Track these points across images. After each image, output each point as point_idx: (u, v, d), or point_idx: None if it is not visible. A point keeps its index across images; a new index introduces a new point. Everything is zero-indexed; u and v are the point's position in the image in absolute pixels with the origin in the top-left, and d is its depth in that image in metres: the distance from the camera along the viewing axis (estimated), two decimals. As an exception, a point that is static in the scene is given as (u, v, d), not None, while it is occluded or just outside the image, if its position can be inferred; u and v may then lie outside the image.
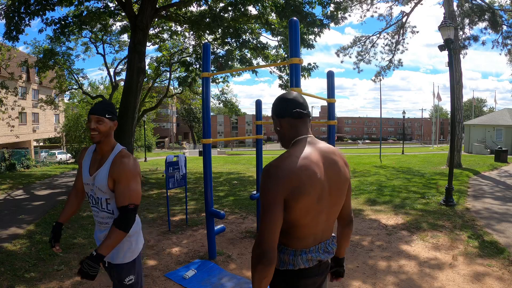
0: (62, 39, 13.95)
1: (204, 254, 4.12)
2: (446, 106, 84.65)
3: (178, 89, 19.94)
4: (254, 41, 12.02)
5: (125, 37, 17.71)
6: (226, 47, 12.33)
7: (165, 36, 15.34)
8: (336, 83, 4.30)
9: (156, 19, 12.11)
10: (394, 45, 17.50)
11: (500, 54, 18.75)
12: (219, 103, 17.65)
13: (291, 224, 1.28)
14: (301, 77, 3.24)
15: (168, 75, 17.62)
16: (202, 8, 11.83)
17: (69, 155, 28.70)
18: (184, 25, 12.98)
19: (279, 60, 12.30)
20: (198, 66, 13.59)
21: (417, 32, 17.49)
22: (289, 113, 1.36)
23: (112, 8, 11.65)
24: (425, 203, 6.91)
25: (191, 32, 14.02)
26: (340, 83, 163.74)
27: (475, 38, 15.36)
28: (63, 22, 10.55)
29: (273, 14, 10.53)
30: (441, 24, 7.01)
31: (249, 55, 12.84)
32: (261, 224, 1.24)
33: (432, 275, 3.48)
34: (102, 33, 16.08)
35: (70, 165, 22.16)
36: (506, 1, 15.42)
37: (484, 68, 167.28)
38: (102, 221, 1.89)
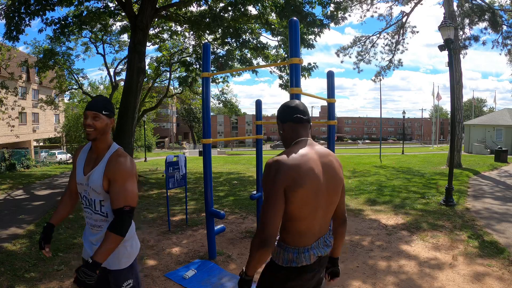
0: (62, 39, 13.96)
1: (204, 254, 4.12)
2: (446, 106, 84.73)
3: (178, 89, 19.95)
4: (254, 41, 12.02)
5: (125, 37, 17.74)
6: (226, 47, 12.34)
7: (165, 36, 15.35)
8: (336, 83, 4.30)
9: (156, 19, 12.11)
10: (394, 45, 17.50)
11: (500, 54, 18.79)
12: (219, 103, 17.66)
13: (290, 216, 1.41)
14: (301, 77, 3.24)
15: (168, 75, 17.64)
16: (202, 8, 11.84)
17: (69, 155, 28.69)
18: (184, 25, 12.98)
19: (279, 60, 12.30)
20: (198, 66, 13.60)
21: (417, 32, 17.51)
22: (291, 118, 1.53)
23: (112, 8, 11.66)
24: (425, 203, 6.91)
25: (191, 32, 14.02)
26: (340, 83, 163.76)
27: (476, 38, 15.37)
28: (63, 22, 10.56)
29: (273, 14, 10.53)
30: (441, 24, 7.01)
31: (249, 55, 12.85)
32: (263, 213, 1.37)
33: (432, 275, 3.48)
34: (102, 33, 16.09)
35: (70, 165, 22.16)
36: (506, 1, 15.43)
37: (484, 68, 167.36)
38: (95, 224, 1.80)
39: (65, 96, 27.61)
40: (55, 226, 1.93)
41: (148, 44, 13.25)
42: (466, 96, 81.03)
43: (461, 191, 8.16)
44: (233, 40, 11.62)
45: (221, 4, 10.95)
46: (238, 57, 12.63)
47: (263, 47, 11.90)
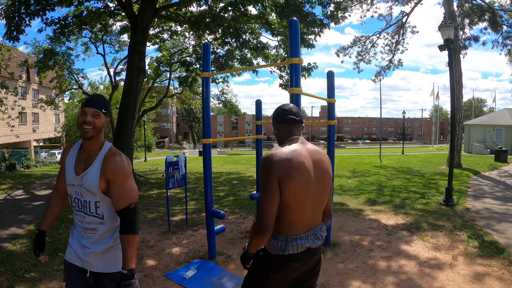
0: (62, 39, 13.95)
1: (204, 254, 4.12)
2: (446, 106, 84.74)
3: (178, 89, 19.93)
4: (254, 41, 12.02)
5: (125, 37, 17.72)
6: (226, 47, 12.33)
7: (165, 36, 15.34)
8: (336, 83, 4.31)
9: (156, 19, 12.11)
10: (394, 45, 17.50)
11: (500, 54, 18.79)
12: (219, 103, 17.65)
13: (283, 205, 1.55)
14: (301, 77, 3.24)
15: (168, 75, 17.62)
16: (202, 8, 11.83)
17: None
18: (184, 25, 12.98)
19: (279, 60, 12.30)
20: (198, 66, 13.59)
21: (417, 32, 17.50)
22: (285, 119, 1.72)
23: (112, 8, 11.65)
24: (425, 203, 6.91)
25: (191, 32, 14.02)
26: (340, 83, 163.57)
27: (476, 39, 15.37)
28: (63, 22, 10.56)
29: (273, 14, 10.53)
30: (441, 24, 7.01)
31: (249, 55, 12.84)
32: (261, 203, 1.53)
33: (432, 275, 3.48)
34: (102, 33, 16.07)
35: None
36: (506, 1, 15.43)
37: (484, 68, 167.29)
38: (88, 227, 1.72)
39: (65, 96, 27.61)
40: (47, 231, 1.88)
41: (148, 44, 13.25)
42: (466, 96, 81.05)
43: (461, 191, 8.16)
44: (233, 40, 11.61)
45: (221, 4, 10.95)
46: (238, 57, 12.62)
47: (263, 47, 11.89)
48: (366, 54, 18.03)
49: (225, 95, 17.38)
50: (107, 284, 1.77)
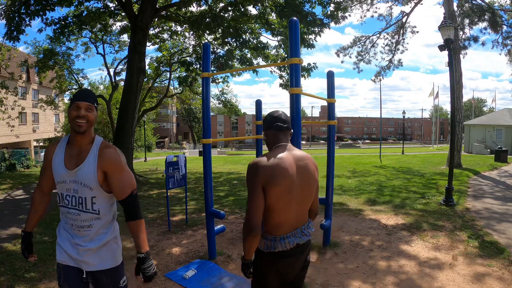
0: (62, 39, 13.97)
1: (204, 254, 4.12)
2: (446, 106, 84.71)
3: (178, 89, 19.95)
4: (254, 41, 12.02)
5: (125, 37, 17.72)
6: (226, 47, 12.34)
7: (165, 36, 15.36)
8: (336, 83, 4.30)
9: (156, 19, 12.11)
10: (394, 45, 17.49)
11: (500, 54, 18.73)
12: (219, 103, 17.66)
13: (268, 208, 1.67)
14: (301, 77, 3.24)
15: (168, 75, 17.63)
16: (202, 8, 11.84)
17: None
18: (184, 25, 12.98)
19: (279, 60, 12.31)
20: (198, 66, 13.60)
21: (417, 32, 17.50)
22: (273, 126, 1.80)
23: (112, 8, 11.66)
24: (425, 203, 6.91)
25: (191, 32, 14.03)
26: (340, 83, 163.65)
27: (475, 39, 15.35)
28: (63, 22, 10.58)
29: (273, 14, 10.53)
30: (441, 24, 7.01)
31: (249, 55, 12.85)
32: (247, 205, 1.65)
33: (432, 275, 3.48)
34: (102, 33, 16.08)
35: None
36: (506, 1, 15.42)
37: (484, 68, 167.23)
38: (83, 225, 1.67)
39: (65, 96, 27.57)
40: (32, 233, 1.83)
41: (148, 44, 13.25)
42: (466, 96, 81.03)
43: (461, 191, 8.16)
44: (233, 40, 11.62)
45: (221, 4, 10.96)
46: (238, 57, 12.63)
47: (263, 47, 11.90)
48: (366, 54, 18.03)
49: (225, 95, 17.42)
50: (104, 282, 1.75)
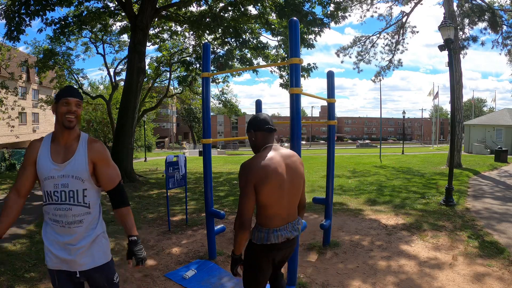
0: (62, 39, 13.98)
1: (204, 254, 4.12)
2: (446, 106, 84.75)
3: (178, 89, 19.96)
4: (254, 41, 12.02)
5: (125, 37, 17.73)
6: (226, 47, 12.34)
7: (165, 36, 15.37)
8: (336, 83, 4.30)
9: (156, 19, 12.11)
10: (394, 45, 17.49)
11: (500, 54, 18.77)
12: (219, 103, 17.67)
13: (261, 203, 1.83)
14: (301, 77, 3.24)
15: (168, 75, 17.64)
16: (202, 8, 11.84)
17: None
18: (184, 25, 12.98)
19: (279, 60, 12.30)
20: (198, 66, 13.60)
21: (417, 32, 17.49)
22: (263, 128, 1.93)
23: (112, 8, 11.67)
24: (425, 203, 6.91)
25: (191, 32, 14.03)
26: (340, 83, 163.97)
27: (474, 39, 15.34)
28: (63, 22, 10.58)
29: (273, 14, 10.53)
30: (441, 24, 7.01)
31: (249, 55, 12.85)
32: (239, 203, 1.80)
33: (432, 275, 3.47)
34: (102, 33, 16.09)
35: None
36: (506, 1, 15.42)
37: (484, 68, 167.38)
38: (73, 220, 1.65)
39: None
40: (1, 237, 1.69)
41: (148, 44, 13.26)
42: (466, 96, 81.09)
43: (461, 191, 8.16)
44: (233, 40, 11.62)
45: (221, 4, 10.96)
46: (238, 57, 12.63)
47: (263, 47, 11.90)
48: (366, 54, 18.03)
49: (225, 95, 17.42)
50: (98, 279, 1.76)
